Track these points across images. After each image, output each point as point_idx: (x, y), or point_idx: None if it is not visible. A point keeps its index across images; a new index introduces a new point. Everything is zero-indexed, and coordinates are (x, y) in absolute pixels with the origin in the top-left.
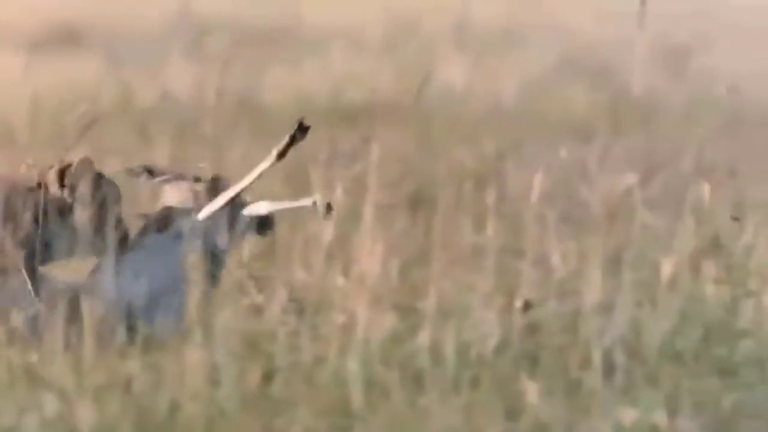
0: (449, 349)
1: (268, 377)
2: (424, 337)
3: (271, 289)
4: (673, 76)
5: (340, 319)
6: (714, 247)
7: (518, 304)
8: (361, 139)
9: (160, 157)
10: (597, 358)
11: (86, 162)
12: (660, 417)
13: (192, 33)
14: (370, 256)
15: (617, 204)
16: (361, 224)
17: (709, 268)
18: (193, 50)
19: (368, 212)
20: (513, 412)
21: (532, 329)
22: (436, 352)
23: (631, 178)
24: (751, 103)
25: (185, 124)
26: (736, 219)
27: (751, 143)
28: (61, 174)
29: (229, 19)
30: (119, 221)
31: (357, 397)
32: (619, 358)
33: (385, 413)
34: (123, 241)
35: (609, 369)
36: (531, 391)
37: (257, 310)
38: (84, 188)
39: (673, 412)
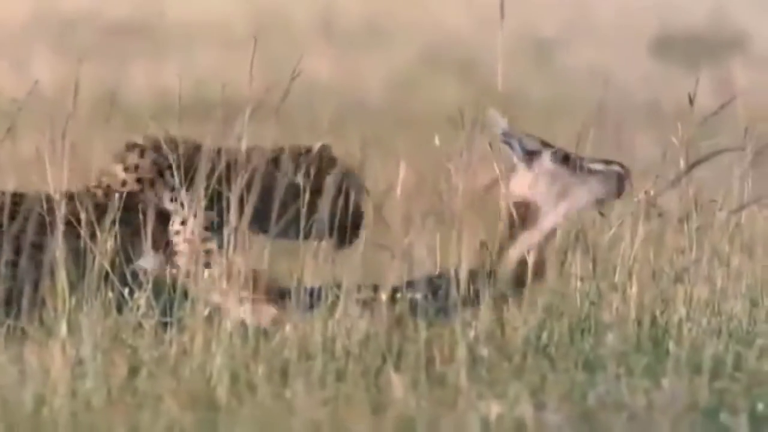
0: (315, 342)
1: (133, 371)
2: (290, 330)
3: (139, 281)
4: (539, 69)
5: (205, 311)
6: (579, 241)
7: (383, 296)
8: (225, 135)
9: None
10: (462, 351)
11: (327, 148)
12: (525, 410)
13: (55, 26)
14: (238, 248)
15: (480, 199)
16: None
17: (575, 262)
18: (56, 44)
19: (235, 205)
20: (379, 405)
21: (398, 322)
22: (302, 345)
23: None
24: (618, 96)
25: (52, 119)
26: (601, 214)
27: (616, 137)
28: (297, 157)
29: (92, 12)
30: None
31: (223, 390)
32: (485, 351)
33: (251, 406)
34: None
35: (474, 362)
36: (396, 384)
37: (122, 303)
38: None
39: (538, 406)
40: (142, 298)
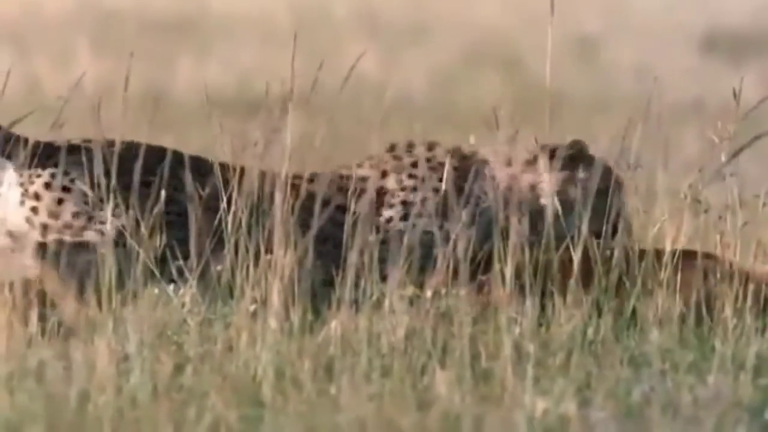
0: (360, 338)
1: (179, 367)
2: (335, 326)
3: (183, 278)
4: (583, 66)
5: (251, 308)
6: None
7: (428, 293)
8: (271, 130)
9: None
10: (508, 347)
11: (579, 144)
12: (570, 407)
13: (97, 23)
14: (282, 245)
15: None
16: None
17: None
18: (99, 40)
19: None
20: (424, 402)
21: (443, 318)
22: (347, 341)
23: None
24: (663, 93)
25: (98, 115)
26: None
27: (662, 133)
28: (552, 155)
29: (134, 8)
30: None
31: (268, 386)
32: (530, 347)
33: (296, 403)
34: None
35: (520, 358)
36: (441, 380)
37: (167, 300)
38: (585, 172)
39: (583, 402)
40: (187, 294)
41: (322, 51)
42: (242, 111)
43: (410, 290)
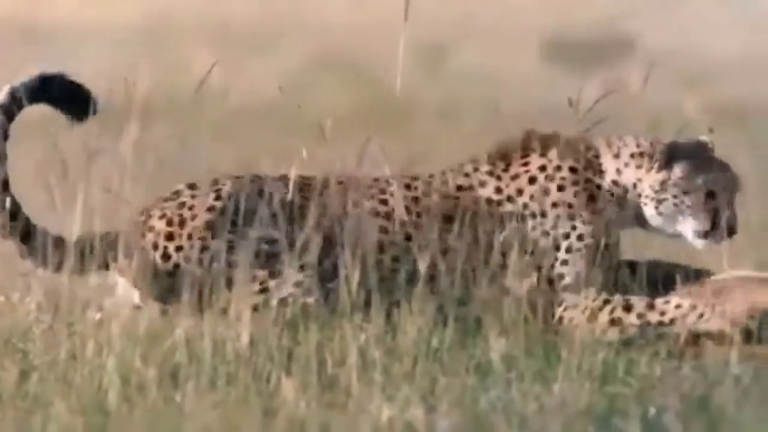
0: (205, 346)
1: (24, 375)
2: (180, 333)
3: (27, 287)
4: (431, 72)
5: (96, 316)
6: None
7: (275, 300)
8: (117, 138)
9: None
10: (354, 354)
11: (704, 144)
12: (416, 414)
13: None
14: (126, 255)
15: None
16: (118, 224)
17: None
18: None
19: (124, 212)
20: (270, 409)
21: (289, 325)
22: (192, 348)
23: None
24: (509, 99)
25: None
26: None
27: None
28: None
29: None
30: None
31: (114, 394)
32: (376, 354)
33: (142, 410)
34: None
35: (365, 365)
36: (287, 387)
37: (12, 308)
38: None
39: (429, 409)
40: (33, 302)
41: (169, 59)
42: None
43: (255, 297)
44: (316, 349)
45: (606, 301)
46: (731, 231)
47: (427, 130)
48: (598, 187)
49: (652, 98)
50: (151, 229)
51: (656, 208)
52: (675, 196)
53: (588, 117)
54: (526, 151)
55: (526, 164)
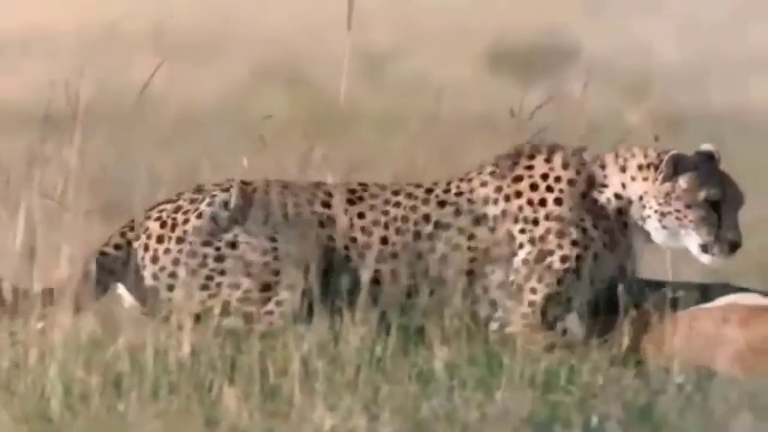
0: (148, 355)
1: None
2: (123, 342)
3: None
4: (372, 82)
5: (38, 324)
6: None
7: (217, 309)
8: (59, 145)
9: None
10: (296, 363)
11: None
12: (359, 422)
13: None
14: (69, 262)
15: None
16: (61, 231)
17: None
18: None
19: (67, 218)
20: (212, 418)
21: (231, 334)
22: (134, 357)
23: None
24: (451, 109)
25: None
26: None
27: (449, 149)
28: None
29: None
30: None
31: (56, 403)
32: (318, 363)
33: (84, 419)
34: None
35: (308, 375)
36: (229, 397)
37: None
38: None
39: (371, 418)
40: None
41: (112, 66)
42: (35, 126)
43: (199, 306)
44: (258, 359)
45: (565, 331)
46: (734, 246)
47: (369, 138)
48: (595, 202)
49: (594, 106)
50: (146, 230)
51: (660, 221)
52: (678, 210)
53: (530, 125)
54: (533, 153)
55: (530, 167)
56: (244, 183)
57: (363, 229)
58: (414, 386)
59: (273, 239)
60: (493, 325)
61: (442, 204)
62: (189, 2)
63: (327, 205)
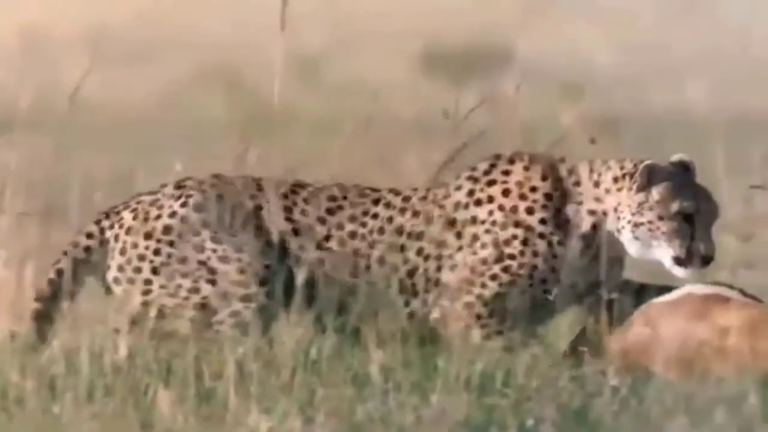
0: (83, 357)
1: None
2: (58, 345)
3: None
4: (306, 85)
5: None
6: None
7: (153, 312)
8: None
9: None
10: (231, 367)
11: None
12: (294, 426)
13: None
14: (5, 265)
15: None
16: None
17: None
18: None
19: (3, 221)
20: (147, 421)
21: (167, 337)
22: (70, 360)
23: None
24: (385, 111)
25: None
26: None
27: (383, 152)
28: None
29: None
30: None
31: None
32: (253, 367)
33: (19, 421)
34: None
35: (243, 378)
36: (164, 400)
37: None
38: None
39: (307, 421)
40: None
41: (48, 71)
42: None
43: (137, 309)
44: (193, 362)
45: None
46: (707, 260)
47: (305, 140)
48: (568, 220)
49: (529, 107)
50: (120, 220)
51: (633, 232)
52: (651, 221)
53: (464, 128)
54: (513, 159)
55: (507, 173)
56: (225, 183)
57: (341, 242)
58: (349, 389)
59: (240, 249)
60: (435, 312)
61: (416, 214)
62: (125, 6)
63: (305, 213)
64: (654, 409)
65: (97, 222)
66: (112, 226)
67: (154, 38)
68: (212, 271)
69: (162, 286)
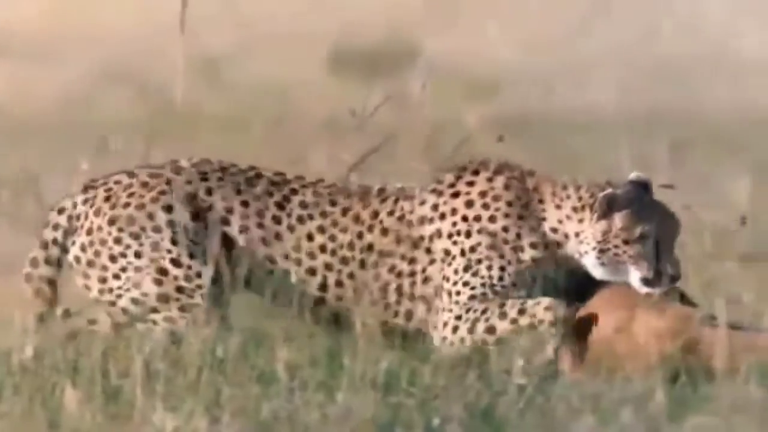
0: None
1: None
2: None
3: None
4: (216, 84)
5: None
6: None
7: (59, 311)
8: None
9: None
10: (138, 365)
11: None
12: (200, 424)
13: None
14: None
15: None
16: None
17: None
18: None
19: None
20: (54, 420)
21: (74, 336)
22: None
23: None
24: (296, 111)
25: None
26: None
27: (292, 151)
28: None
29: None
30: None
31: None
32: (160, 365)
33: None
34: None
35: (150, 376)
36: (71, 399)
37: None
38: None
39: (213, 420)
40: None
41: None
42: None
43: (42, 308)
44: (100, 360)
45: (484, 311)
46: (674, 279)
47: (211, 142)
48: (532, 229)
49: (437, 106)
50: (94, 197)
51: (598, 258)
52: (617, 246)
53: (372, 126)
54: (478, 170)
55: (471, 184)
56: (203, 177)
57: (310, 254)
58: (255, 388)
59: (194, 256)
60: (414, 322)
61: (384, 232)
62: (28, 5)
63: (277, 220)
64: (560, 408)
65: (72, 196)
66: (85, 201)
67: (58, 37)
68: (162, 271)
69: (115, 276)
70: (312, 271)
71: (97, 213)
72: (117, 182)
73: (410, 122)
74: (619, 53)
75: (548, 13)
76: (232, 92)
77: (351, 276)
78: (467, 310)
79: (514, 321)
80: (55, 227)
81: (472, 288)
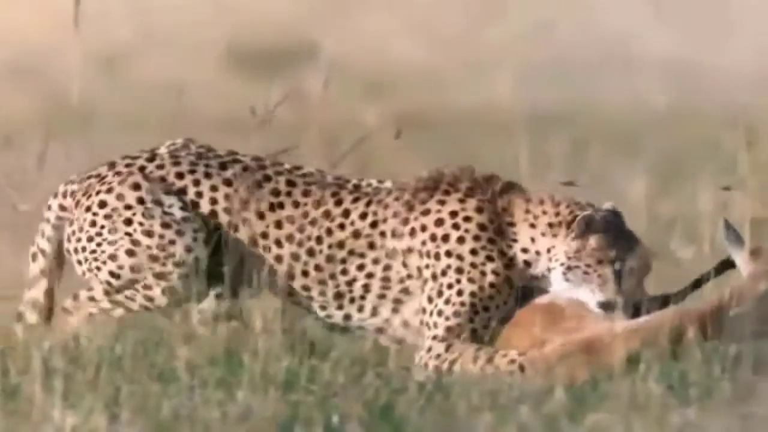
0: None
1: None
2: None
3: None
4: (114, 82)
5: None
6: None
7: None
8: None
9: None
10: (37, 362)
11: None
12: (99, 422)
13: None
14: None
15: None
16: None
17: None
18: None
19: None
20: None
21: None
22: None
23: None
24: (192, 109)
25: None
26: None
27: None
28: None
29: None
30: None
31: None
32: (59, 362)
33: None
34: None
35: (49, 374)
36: None
37: None
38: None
39: (112, 417)
40: None
41: None
42: None
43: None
44: None
45: (462, 352)
46: (636, 309)
47: (109, 139)
48: (501, 252)
49: (336, 104)
50: (90, 176)
51: (564, 274)
52: (588, 265)
53: (272, 124)
54: (449, 189)
55: (442, 203)
56: (175, 162)
57: (278, 242)
58: (155, 386)
59: (168, 226)
60: (418, 360)
61: (356, 234)
62: None
63: (245, 206)
64: (460, 405)
65: (69, 182)
66: (71, 194)
67: None
68: (135, 242)
69: (92, 252)
70: (279, 259)
71: (77, 205)
72: (96, 175)
73: (309, 120)
74: (514, 51)
75: (445, 10)
76: (130, 90)
77: (317, 268)
78: (447, 348)
79: (482, 368)
80: (47, 221)
81: (447, 318)
